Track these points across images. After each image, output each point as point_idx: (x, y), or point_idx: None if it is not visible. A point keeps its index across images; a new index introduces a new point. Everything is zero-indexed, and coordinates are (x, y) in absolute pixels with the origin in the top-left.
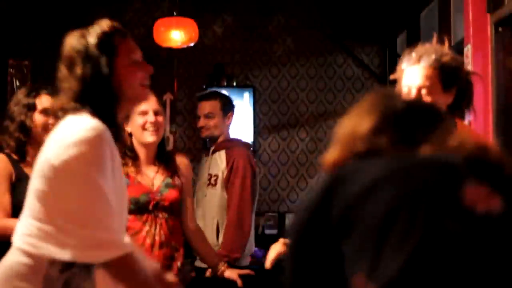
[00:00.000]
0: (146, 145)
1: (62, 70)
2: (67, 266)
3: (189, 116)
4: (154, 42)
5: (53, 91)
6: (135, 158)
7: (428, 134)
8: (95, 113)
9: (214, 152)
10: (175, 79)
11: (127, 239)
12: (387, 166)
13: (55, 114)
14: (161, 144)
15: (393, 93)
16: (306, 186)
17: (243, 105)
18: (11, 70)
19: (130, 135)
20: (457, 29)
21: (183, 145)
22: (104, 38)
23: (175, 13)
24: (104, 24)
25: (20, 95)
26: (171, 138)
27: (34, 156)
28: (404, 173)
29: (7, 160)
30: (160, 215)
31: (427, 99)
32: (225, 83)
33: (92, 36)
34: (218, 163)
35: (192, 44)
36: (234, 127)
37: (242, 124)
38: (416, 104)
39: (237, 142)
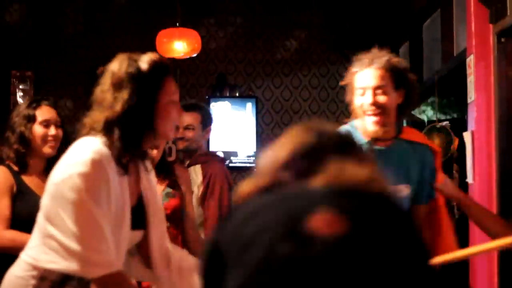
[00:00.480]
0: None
1: (108, 88)
2: (59, 283)
3: None
4: (156, 53)
5: (55, 103)
6: None
7: (328, 165)
8: (125, 137)
9: (189, 165)
10: (178, 90)
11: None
12: (260, 201)
13: (79, 130)
14: (162, 155)
15: (314, 124)
16: None
17: (246, 115)
18: (14, 81)
19: None
20: (460, 40)
21: None
22: (156, 67)
23: (177, 24)
24: (153, 55)
25: (22, 106)
26: (174, 148)
27: (34, 167)
28: (267, 207)
29: (8, 172)
30: None
31: (382, 99)
32: (228, 94)
33: (144, 62)
34: (194, 177)
35: (194, 55)
36: (236, 137)
37: (244, 134)
38: (327, 135)
39: (214, 156)
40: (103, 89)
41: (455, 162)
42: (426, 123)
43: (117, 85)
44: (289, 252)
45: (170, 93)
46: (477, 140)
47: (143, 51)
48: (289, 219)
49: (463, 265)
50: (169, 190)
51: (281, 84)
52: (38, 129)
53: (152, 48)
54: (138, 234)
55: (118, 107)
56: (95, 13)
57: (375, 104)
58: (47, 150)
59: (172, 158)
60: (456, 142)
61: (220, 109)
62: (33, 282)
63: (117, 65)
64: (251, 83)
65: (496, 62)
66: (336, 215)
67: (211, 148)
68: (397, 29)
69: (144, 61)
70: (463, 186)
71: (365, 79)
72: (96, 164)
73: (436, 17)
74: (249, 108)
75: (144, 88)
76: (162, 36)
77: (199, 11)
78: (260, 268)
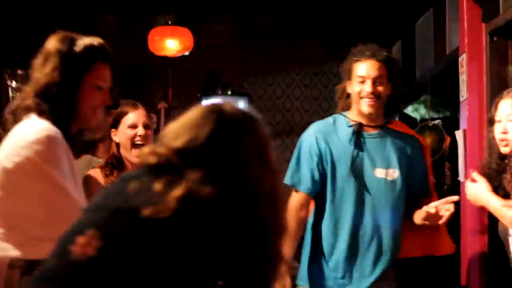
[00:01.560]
0: (133, 159)
1: (37, 60)
2: (28, 269)
3: None
4: (149, 50)
5: None
6: (121, 167)
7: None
8: (51, 116)
9: None
10: (170, 88)
11: None
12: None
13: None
14: None
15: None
16: None
17: None
18: (6, 79)
19: (117, 145)
20: (452, 38)
21: None
22: (88, 49)
23: (170, 22)
24: (95, 40)
25: (14, 104)
26: None
27: None
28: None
29: None
30: None
31: (380, 89)
32: (220, 92)
33: (79, 42)
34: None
35: (187, 53)
36: None
37: None
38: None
39: None
40: (35, 64)
41: (447, 160)
42: (419, 122)
43: (45, 60)
44: (53, 268)
45: (97, 77)
46: (469, 138)
47: (135, 49)
48: (65, 239)
49: (454, 262)
50: None
51: (273, 82)
52: None
53: (144, 46)
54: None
55: (41, 81)
56: (86, 11)
57: (374, 93)
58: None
59: None
60: (448, 140)
61: None
62: (4, 272)
63: (51, 42)
64: (243, 81)
65: (488, 61)
66: (94, 237)
67: None
68: (390, 27)
69: (80, 41)
70: (455, 184)
71: (367, 69)
72: (53, 139)
73: (429, 16)
74: (241, 106)
75: (69, 66)
76: (154, 34)
77: (191, 9)
78: (34, 280)
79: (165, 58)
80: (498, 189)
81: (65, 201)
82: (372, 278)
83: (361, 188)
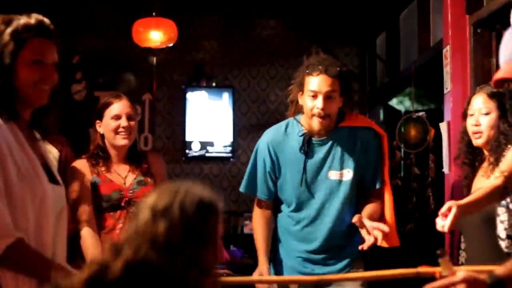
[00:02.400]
0: (117, 148)
1: None
2: None
3: (168, 116)
4: (133, 42)
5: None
6: (106, 158)
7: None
8: None
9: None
10: (154, 79)
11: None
12: None
13: None
14: (133, 144)
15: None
16: None
17: (223, 105)
18: None
19: (102, 136)
20: (436, 30)
21: (163, 145)
22: (20, 30)
23: (154, 14)
24: (33, 17)
25: None
26: (150, 138)
27: None
28: None
29: None
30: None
31: (331, 104)
32: (204, 83)
33: (13, 25)
34: None
35: (171, 45)
36: (213, 127)
37: (221, 124)
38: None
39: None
40: None
41: (431, 152)
42: (403, 114)
43: None
44: None
45: (33, 53)
46: (453, 130)
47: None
48: None
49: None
50: (141, 178)
51: (258, 74)
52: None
53: (128, 37)
54: (59, 190)
55: None
56: (71, 2)
57: (324, 109)
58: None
59: (147, 148)
60: (432, 132)
61: (196, 99)
62: None
63: None
64: (227, 73)
65: (472, 52)
66: None
67: (187, 139)
68: (374, 19)
69: (15, 22)
70: (439, 176)
71: (319, 84)
72: None
73: (413, 8)
74: (226, 98)
75: (1, 47)
76: (138, 26)
77: (175, 1)
78: None
79: (150, 50)
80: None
81: None
82: (340, 266)
83: (316, 193)
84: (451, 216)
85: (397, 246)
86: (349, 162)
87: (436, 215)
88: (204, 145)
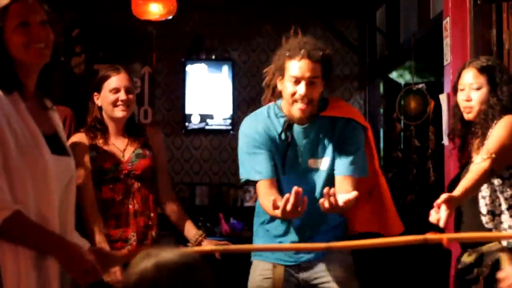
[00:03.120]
0: (115, 120)
1: None
2: None
3: (168, 88)
4: (132, 15)
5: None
6: (104, 130)
7: None
8: None
9: None
10: (154, 52)
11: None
12: None
13: None
14: (131, 117)
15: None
16: None
17: (222, 78)
18: None
19: (100, 108)
20: (436, 2)
21: (162, 117)
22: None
23: None
24: None
25: None
26: (150, 111)
27: None
28: None
29: None
30: (133, 185)
31: (313, 90)
32: (204, 56)
33: None
34: None
35: (170, 17)
36: (213, 100)
37: (221, 97)
38: None
39: None
40: None
41: (431, 124)
42: (403, 86)
43: None
44: None
45: (16, 16)
46: (453, 102)
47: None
48: None
49: (444, 257)
50: (140, 151)
51: (257, 47)
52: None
53: (128, 10)
54: (66, 160)
55: None
56: None
57: (307, 95)
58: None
59: (147, 121)
60: (432, 104)
61: (196, 72)
62: None
63: None
64: (227, 46)
65: (472, 24)
66: None
67: (187, 112)
68: None
69: None
70: (439, 148)
71: (301, 69)
72: None
73: None
74: (226, 71)
75: None
76: None
77: None
78: None
79: (149, 22)
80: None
81: None
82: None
83: (297, 180)
84: (445, 213)
85: (401, 231)
86: (328, 151)
87: (436, 187)
88: (203, 117)
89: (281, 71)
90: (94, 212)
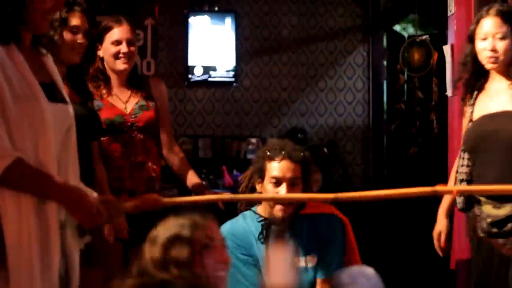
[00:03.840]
0: (117, 72)
1: None
2: None
3: (171, 41)
4: None
5: (86, 10)
6: (106, 81)
7: None
8: None
9: None
10: (157, 4)
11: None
12: None
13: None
14: (133, 69)
15: None
16: (288, 111)
17: (225, 30)
18: None
19: (101, 59)
20: None
21: (165, 70)
22: None
23: None
24: None
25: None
26: (152, 63)
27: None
28: None
29: None
30: (136, 136)
31: (294, 191)
32: (206, 8)
33: None
34: None
35: None
36: (216, 52)
37: (224, 49)
38: None
39: None
40: None
41: (434, 76)
42: (406, 38)
43: None
44: None
45: None
46: (457, 53)
47: None
48: None
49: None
50: (143, 102)
51: None
52: (66, 35)
53: None
54: (64, 108)
55: None
56: None
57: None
58: (73, 57)
59: (150, 73)
60: (435, 56)
61: (199, 24)
62: None
63: None
64: None
65: None
66: None
67: (190, 64)
68: None
69: None
70: (443, 99)
71: (281, 170)
72: None
73: None
74: (228, 23)
75: None
76: None
77: None
78: None
79: None
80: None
81: None
82: None
83: None
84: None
85: None
86: (312, 249)
87: (439, 139)
88: (206, 69)
89: (260, 173)
90: (98, 164)
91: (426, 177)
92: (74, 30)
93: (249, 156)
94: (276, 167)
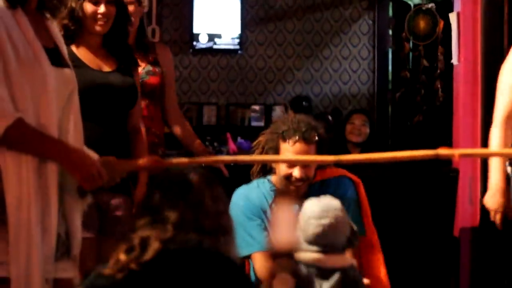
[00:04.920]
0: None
1: None
2: None
3: (176, 8)
4: None
5: None
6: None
7: None
8: None
9: None
10: None
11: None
12: None
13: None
14: (141, 33)
15: None
16: (292, 79)
17: None
18: None
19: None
20: None
21: (170, 37)
22: None
23: None
24: None
25: None
26: (157, 30)
27: (88, 42)
28: None
29: None
30: (141, 102)
31: (308, 172)
32: None
33: None
34: None
35: None
36: (220, 20)
37: (229, 16)
38: None
39: None
40: None
41: (440, 44)
42: (412, 7)
43: None
44: None
45: None
46: (463, 20)
47: None
48: None
49: (447, 216)
50: (150, 68)
51: None
52: (87, 7)
53: None
54: (66, 72)
55: None
56: None
57: (302, 178)
58: (98, 28)
59: (156, 39)
60: (441, 24)
61: None
62: None
63: None
64: None
65: None
66: None
67: (195, 31)
68: None
69: None
70: (448, 68)
71: (296, 153)
72: None
73: None
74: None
75: None
76: None
77: None
78: None
79: None
80: None
81: None
82: None
83: None
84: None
85: None
86: None
87: (444, 107)
88: (211, 37)
89: (274, 151)
90: (136, 132)
91: (431, 145)
92: (94, 1)
93: (253, 123)
94: (290, 150)
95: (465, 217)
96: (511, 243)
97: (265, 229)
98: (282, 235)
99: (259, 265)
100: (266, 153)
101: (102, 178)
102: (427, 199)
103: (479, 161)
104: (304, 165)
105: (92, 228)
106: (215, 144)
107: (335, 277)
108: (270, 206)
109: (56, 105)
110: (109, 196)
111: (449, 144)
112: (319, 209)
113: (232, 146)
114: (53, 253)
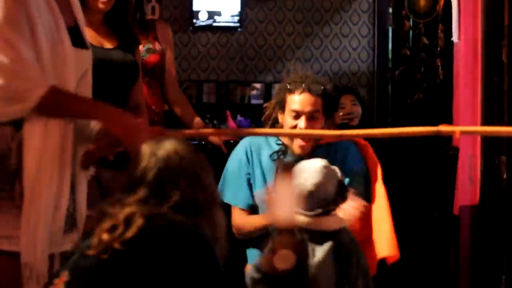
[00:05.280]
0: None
1: None
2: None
3: None
4: None
5: None
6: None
7: None
8: None
9: None
10: None
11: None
12: None
13: None
14: (141, 12)
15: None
16: (292, 57)
17: None
18: None
19: None
20: None
21: (169, 14)
22: None
23: None
24: None
25: None
26: (157, 7)
27: (90, 19)
28: None
29: None
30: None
31: (314, 125)
32: None
33: None
34: None
35: None
36: None
37: None
38: None
39: None
40: None
41: (440, 22)
42: None
43: None
44: None
45: None
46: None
47: None
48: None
49: (447, 193)
50: (150, 46)
51: None
52: None
53: None
54: (84, 53)
55: None
56: None
57: (307, 129)
58: (100, 5)
59: (155, 17)
60: (441, 1)
61: None
62: None
63: None
64: None
65: None
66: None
67: (195, 8)
68: None
69: None
70: (448, 45)
71: (301, 103)
72: None
73: None
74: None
75: None
76: None
77: None
78: None
79: None
80: None
81: (6, 52)
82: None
83: None
84: None
85: (396, 259)
86: None
87: (444, 85)
88: (211, 14)
89: (281, 105)
90: (138, 108)
91: (431, 123)
92: None
93: (253, 101)
94: (295, 100)
95: (465, 195)
96: (510, 222)
97: (256, 182)
98: (282, 211)
99: (235, 219)
100: (274, 108)
101: (144, 136)
102: (427, 178)
103: (479, 139)
104: (310, 117)
105: (93, 205)
106: (215, 122)
107: (329, 243)
108: (271, 155)
109: (72, 87)
110: (110, 173)
111: (449, 121)
112: (304, 171)
113: (231, 124)
114: (62, 227)
